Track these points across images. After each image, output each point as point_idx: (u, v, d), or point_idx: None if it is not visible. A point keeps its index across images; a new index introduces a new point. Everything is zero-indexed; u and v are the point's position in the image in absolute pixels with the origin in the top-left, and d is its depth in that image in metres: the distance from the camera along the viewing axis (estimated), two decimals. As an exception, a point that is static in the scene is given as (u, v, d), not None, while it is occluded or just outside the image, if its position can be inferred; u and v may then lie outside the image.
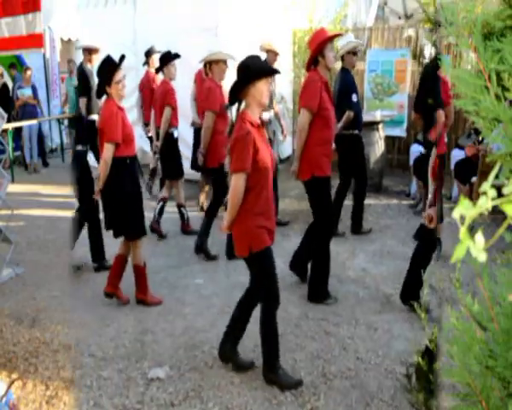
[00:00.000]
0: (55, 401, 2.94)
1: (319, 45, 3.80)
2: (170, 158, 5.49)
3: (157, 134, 5.51)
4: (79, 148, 4.69)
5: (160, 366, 3.25)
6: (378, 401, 2.90)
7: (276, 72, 3.10)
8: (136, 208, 3.92)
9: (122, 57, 3.84)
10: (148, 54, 6.45)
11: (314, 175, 3.92)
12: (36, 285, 4.40)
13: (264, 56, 5.48)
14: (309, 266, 4.22)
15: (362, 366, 3.20)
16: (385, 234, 5.43)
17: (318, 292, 4.04)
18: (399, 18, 12.35)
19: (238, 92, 2.86)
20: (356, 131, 5.25)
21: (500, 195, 0.74)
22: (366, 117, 7.19)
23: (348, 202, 5.53)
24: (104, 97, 3.92)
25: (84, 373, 3.20)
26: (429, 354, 1.93)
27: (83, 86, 6.14)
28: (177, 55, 5.36)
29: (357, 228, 5.43)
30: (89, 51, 6.11)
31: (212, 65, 4.79)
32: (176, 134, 5.49)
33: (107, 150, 3.73)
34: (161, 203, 5.55)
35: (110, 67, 3.77)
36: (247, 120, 2.82)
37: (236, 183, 2.78)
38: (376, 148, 6.69)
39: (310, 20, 9.33)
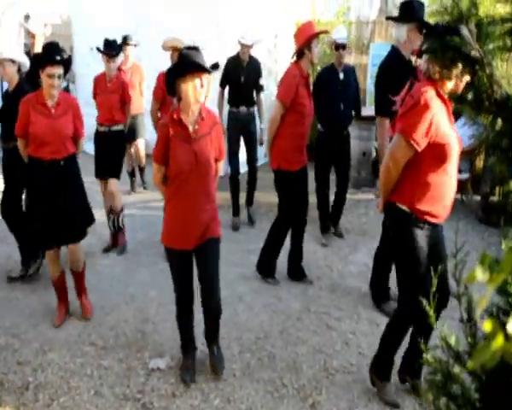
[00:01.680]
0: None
1: (308, 39, 3.81)
2: None
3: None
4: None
5: (161, 356, 3.23)
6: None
7: (201, 68, 2.61)
8: (35, 216, 3.45)
9: (68, 58, 3.47)
10: (123, 42, 5.86)
11: (280, 167, 4.02)
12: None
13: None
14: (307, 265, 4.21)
15: (364, 362, 3.19)
16: (386, 229, 5.40)
17: (263, 267, 4.25)
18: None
19: (172, 85, 2.72)
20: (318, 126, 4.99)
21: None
22: (368, 112, 7.15)
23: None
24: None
25: (84, 362, 3.18)
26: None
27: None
28: (106, 49, 4.73)
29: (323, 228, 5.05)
30: (29, 34, 5.07)
31: (172, 52, 4.45)
32: (98, 130, 4.85)
33: (18, 141, 3.56)
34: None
35: (50, 56, 3.29)
36: (170, 113, 2.76)
37: (153, 171, 2.84)
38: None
39: (313, 12, 9.27)
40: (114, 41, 4.89)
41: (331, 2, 10.62)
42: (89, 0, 7.71)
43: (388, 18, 4.07)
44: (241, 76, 5.25)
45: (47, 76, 3.31)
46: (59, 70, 3.33)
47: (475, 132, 3.66)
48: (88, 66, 7.27)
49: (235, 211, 5.46)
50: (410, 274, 2.70)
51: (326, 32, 4.44)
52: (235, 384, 3.01)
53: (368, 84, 8.47)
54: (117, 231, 4.84)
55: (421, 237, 2.63)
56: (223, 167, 6.80)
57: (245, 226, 5.42)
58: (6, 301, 3.90)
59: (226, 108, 5.45)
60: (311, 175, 4.56)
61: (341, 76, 4.89)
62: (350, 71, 5.01)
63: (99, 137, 4.86)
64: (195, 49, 2.72)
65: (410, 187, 2.59)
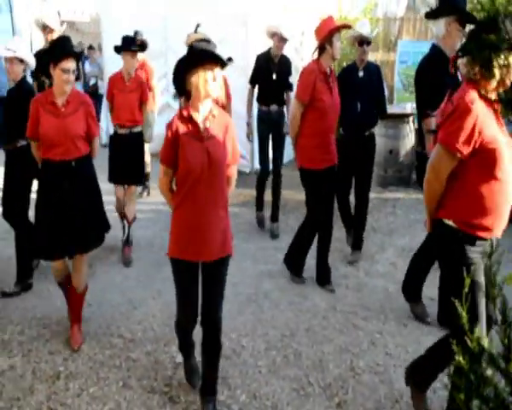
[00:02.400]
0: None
1: (329, 33, 3.73)
2: None
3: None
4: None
5: (188, 350, 3.25)
6: (407, 399, 2.86)
7: (214, 57, 2.39)
8: (42, 221, 3.23)
9: (81, 52, 3.32)
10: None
11: (303, 166, 3.98)
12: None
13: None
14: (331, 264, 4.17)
15: (391, 362, 3.16)
16: (414, 229, 5.30)
17: (292, 264, 4.23)
18: (431, 8, 12.05)
19: (182, 81, 2.48)
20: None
21: None
22: (396, 109, 7.08)
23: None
24: None
25: (113, 354, 3.23)
26: (470, 354, 1.86)
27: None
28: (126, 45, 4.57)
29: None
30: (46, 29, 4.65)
31: None
32: (118, 132, 4.73)
33: (31, 143, 3.39)
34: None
35: (65, 49, 3.12)
36: (180, 111, 2.52)
37: (159, 174, 2.59)
38: (406, 141, 6.56)
39: (339, 10, 9.19)
40: (133, 38, 4.82)
41: (358, -1, 10.51)
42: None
43: (428, 15, 3.55)
44: (273, 73, 5.05)
45: (61, 71, 3.06)
46: (73, 64, 3.11)
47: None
48: (113, 62, 7.38)
49: (260, 206, 5.44)
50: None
51: (349, 26, 4.21)
52: (260, 381, 3.01)
53: (395, 82, 8.38)
54: (125, 244, 4.65)
55: (474, 253, 2.35)
56: (247, 165, 6.87)
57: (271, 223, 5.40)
58: (37, 292, 4.00)
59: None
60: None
61: (361, 74, 4.51)
62: (373, 69, 4.60)
63: (117, 140, 4.69)
64: (207, 41, 2.51)
65: (457, 200, 2.35)
